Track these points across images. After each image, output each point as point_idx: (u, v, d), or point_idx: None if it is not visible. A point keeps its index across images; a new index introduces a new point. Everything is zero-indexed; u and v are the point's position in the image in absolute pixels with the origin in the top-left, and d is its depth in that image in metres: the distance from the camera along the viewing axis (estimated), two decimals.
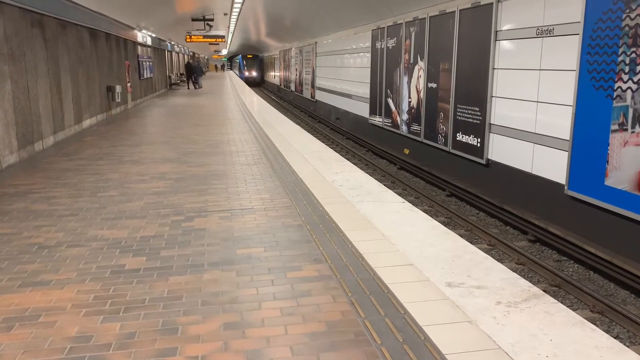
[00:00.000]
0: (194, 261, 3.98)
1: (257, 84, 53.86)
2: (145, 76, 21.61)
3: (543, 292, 3.30)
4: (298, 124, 20.61)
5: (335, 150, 10.93)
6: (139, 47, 20.50)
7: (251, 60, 56.48)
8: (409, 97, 13.03)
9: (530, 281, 6.37)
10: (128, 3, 15.18)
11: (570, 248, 7.13)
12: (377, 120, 15.56)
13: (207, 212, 5.28)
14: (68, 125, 11.10)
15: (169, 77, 30.82)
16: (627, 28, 6.30)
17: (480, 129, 9.66)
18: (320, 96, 25.05)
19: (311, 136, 10.60)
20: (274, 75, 45.72)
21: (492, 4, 9.04)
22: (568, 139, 7.37)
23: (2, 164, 7.73)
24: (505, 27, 8.85)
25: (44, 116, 9.62)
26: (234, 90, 28.48)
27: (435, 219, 6.84)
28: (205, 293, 3.42)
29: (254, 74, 55.96)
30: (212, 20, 25.08)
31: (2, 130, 7.80)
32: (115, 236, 4.60)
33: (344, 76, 19.99)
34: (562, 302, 5.27)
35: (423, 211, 6.93)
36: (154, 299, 3.34)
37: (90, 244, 4.41)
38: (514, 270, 6.47)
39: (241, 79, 48.12)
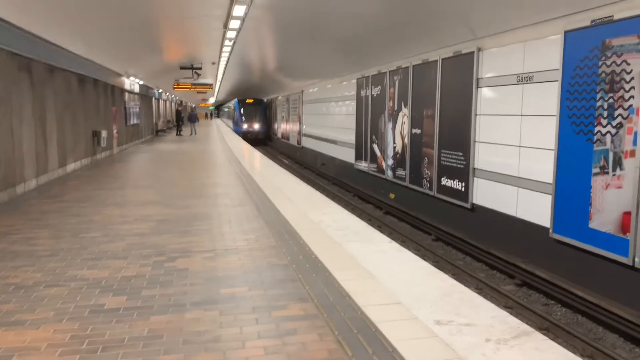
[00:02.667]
0: (176, 301, 3.87)
1: (261, 142, 37.90)
2: (131, 122, 21.70)
3: (533, 330, 3.25)
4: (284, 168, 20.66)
5: None
6: (127, 93, 20.67)
7: (252, 106, 39.25)
8: (394, 143, 13.19)
9: None
10: (117, 50, 15.39)
11: (557, 291, 7.09)
12: (363, 165, 15.68)
13: (191, 253, 5.19)
14: (52, 169, 11.00)
15: (156, 123, 31.00)
16: (603, 75, 6.51)
17: (464, 173, 9.76)
18: (306, 142, 25.27)
19: (297, 179, 10.61)
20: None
21: (473, 52, 9.32)
22: (551, 182, 7.45)
23: None
24: (486, 75, 9.09)
25: (28, 159, 9.53)
26: (219, 136, 28.65)
27: None
28: (187, 332, 3.31)
29: (256, 126, 38.70)
30: (200, 68, 25.47)
31: None
32: (96, 276, 4.48)
33: (330, 123, 20.25)
34: None
35: None
36: (133, 338, 3.22)
37: (69, 283, 4.28)
38: None
39: (237, 133, 35.52)
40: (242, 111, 39.01)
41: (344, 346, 3.08)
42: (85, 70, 13.69)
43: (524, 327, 3.29)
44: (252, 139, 34.96)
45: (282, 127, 32.93)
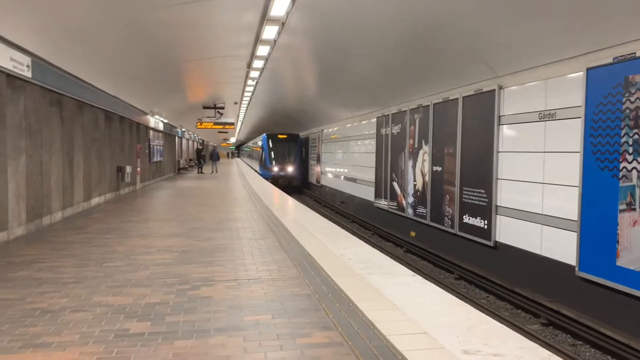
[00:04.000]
0: (200, 327, 3.87)
1: (296, 189, 29.37)
2: (155, 160, 22.08)
3: None
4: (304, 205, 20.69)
5: None
6: (151, 131, 21.12)
7: (285, 143, 30.36)
8: (414, 181, 13.19)
9: None
10: (143, 89, 15.86)
11: (585, 331, 6.88)
12: (383, 203, 15.65)
13: (214, 282, 5.20)
14: (77, 202, 11.19)
15: (178, 161, 31.50)
16: (627, 111, 6.50)
17: (486, 211, 9.68)
18: (325, 181, 25.37)
19: (317, 214, 10.62)
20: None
21: (494, 90, 9.39)
22: (576, 219, 7.35)
23: (9, 235, 7.73)
24: (508, 112, 9.13)
25: (55, 191, 9.74)
26: (240, 174, 28.93)
27: None
28: (211, 356, 3.30)
29: (290, 169, 29.66)
30: (222, 108, 26.05)
31: (12, 203, 7.88)
32: (120, 303, 4.50)
33: (350, 161, 20.39)
34: None
35: None
36: None
37: (94, 309, 4.31)
38: None
39: (265, 178, 27.64)
40: (271, 150, 30.14)
41: None
42: (112, 107, 14.08)
43: (555, 358, 3.20)
44: (285, 186, 27.46)
45: None
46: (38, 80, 8.65)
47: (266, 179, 27.21)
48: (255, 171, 35.15)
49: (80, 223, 9.57)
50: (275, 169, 29.54)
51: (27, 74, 8.18)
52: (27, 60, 8.12)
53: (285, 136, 30.62)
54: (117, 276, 5.47)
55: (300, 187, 30.05)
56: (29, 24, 7.67)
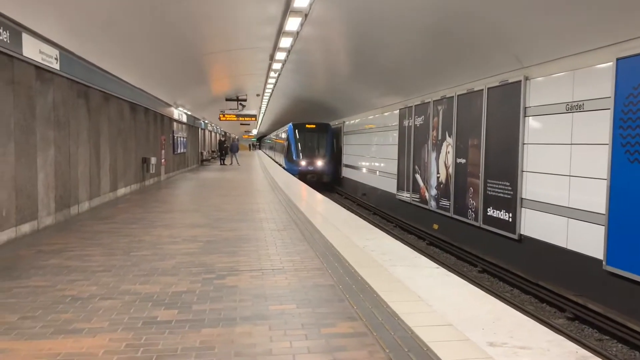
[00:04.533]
0: (226, 315, 3.93)
1: (326, 185, 26.19)
2: (178, 151, 22.31)
3: (591, 354, 3.13)
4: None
5: None
6: (175, 123, 21.33)
7: (314, 134, 27.32)
8: (438, 173, 13.10)
9: None
10: (167, 81, 16.01)
11: (612, 326, 6.79)
12: (405, 195, 15.59)
13: (239, 271, 5.26)
14: (103, 192, 11.39)
15: (201, 153, 31.77)
16: None
17: (511, 203, 9.57)
18: (346, 173, 25.33)
19: (339, 206, 10.63)
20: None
21: (520, 81, 9.25)
22: (604, 212, 7.22)
23: (39, 224, 7.91)
24: (534, 104, 8.99)
25: (82, 182, 9.92)
26: (262, 166, 29.07)
27: None
28: (238, 344, 3.35)
29: (320, 163, 26.50)
30: (245, 100, 26.14)
31: (42, 193, 8.05)
32: (148, 291, 4.59)
33: (371, 153, 20.32)
34: None
35: None
36: (186, 349, 3.28)
37: (122, 297, 4.40)
38: None
39: (291, 173, 24.72)
40: (298, 141, 27.19)
41: None
42: (137, 99, 14.24)
43: (582, 352, 3.17)
44: (314, 182, 24.72)
45: None
46: (66, 72, 8.79)
47: (293, 174, 24.46)
48: (280, 165, 32.11)
49: (106, 213, 9.74)
50: (303, 163, 26.53)
51: (56, 66, 8.33)
52: (55, 52, 8.26)
53: (314, 126, 27.44)
54: (144, 265, 5.56)
55: (330, 184, 26.64)
56: (56, 17, 7.80)
